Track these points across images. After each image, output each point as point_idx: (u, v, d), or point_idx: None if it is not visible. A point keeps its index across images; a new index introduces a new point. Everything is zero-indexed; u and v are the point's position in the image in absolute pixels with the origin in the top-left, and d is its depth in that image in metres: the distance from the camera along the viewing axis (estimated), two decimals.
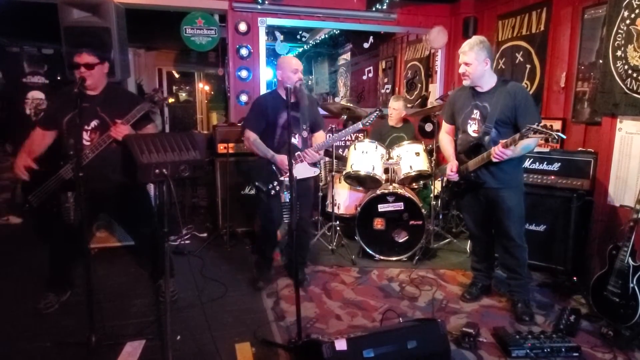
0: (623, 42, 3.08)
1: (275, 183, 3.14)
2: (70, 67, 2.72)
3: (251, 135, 3.16)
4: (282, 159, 3.06)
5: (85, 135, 2.74)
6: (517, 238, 2.92)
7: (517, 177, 2.94)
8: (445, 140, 3.15)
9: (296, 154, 3.12)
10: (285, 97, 3.08)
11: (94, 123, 2.75)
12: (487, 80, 2.83)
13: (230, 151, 4.23)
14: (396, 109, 4.51)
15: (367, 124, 3.35)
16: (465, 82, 2.87)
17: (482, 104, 2.83)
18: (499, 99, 2.77)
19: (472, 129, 2.88)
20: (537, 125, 2.46)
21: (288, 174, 2.96)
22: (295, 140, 3.19)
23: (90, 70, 2.71)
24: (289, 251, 3.57)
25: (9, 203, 5.00)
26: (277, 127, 3.18)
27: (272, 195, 3.16)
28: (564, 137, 2.46)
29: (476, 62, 2.75)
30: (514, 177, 2.90)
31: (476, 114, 2.86)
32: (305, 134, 3.26)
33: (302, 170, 3.18)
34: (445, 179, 4.72)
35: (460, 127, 2.99)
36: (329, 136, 3.70)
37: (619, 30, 3.11)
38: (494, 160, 2.67)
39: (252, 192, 4.32)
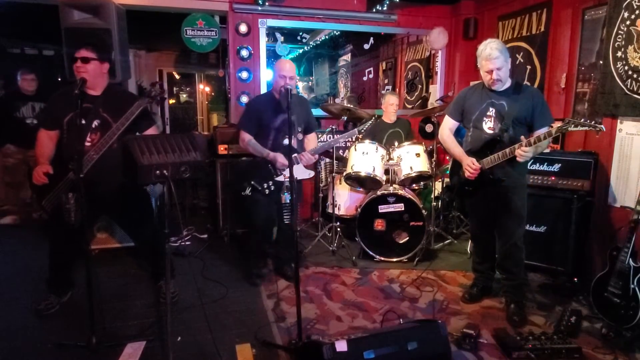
0: (623, 43, 3.08)
1: (271, 182, 3.22)
2: (73, 61, 2.72)
3: (246, 137, 3.24)
4: (278, 156, 3.15)
5: (87, 136, 2.73)
6: (517, 239, 2.93)
7: (525, 177, 3.01)
8: (452, 138, 3.09)
9: (293, 155, 3.14)
10: (279, 100, 3.21)
11: (95, 123, 2.75)
12: (505, 81, 2.88)
13: (231, 152, 4.23)
14: (392, 103, 4.51)
15: (362, 131, 3.45)
16: (497, 87, 2.85)
17: (498, 102, 2.85)
18: (517, 98, 2.81)
19: (487, 126, 2.89)
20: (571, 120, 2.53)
21: (283, 174, 3.15)
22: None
23: (85, 64, 2.69)
24: (279, 249, 3.62)
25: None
26: (271, 129, 3.26)
27: (267, 194, 3.24)
28: (604, 128, 2.49)
29: (506, 64, 2.78)
30: (523, 176, 2.96)
31: (492, 111, 2.87)
32: (300, 136, 3.36)
33: (298, 172, 3.23)
34: (445, 179, 4.75)
35: (472, 124, 2.97)
36: (327, 139, 3.69)
37: (619, 31, 3.11)
38: (520, 160, 2.68)
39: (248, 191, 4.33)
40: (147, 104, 2.73)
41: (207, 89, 10.42)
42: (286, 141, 3.22)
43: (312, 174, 3.43)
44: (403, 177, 4.05)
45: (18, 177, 4.79)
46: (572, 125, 2.52)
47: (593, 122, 2.48)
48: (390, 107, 4.53)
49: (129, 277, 3.52)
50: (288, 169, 3.08)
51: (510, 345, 2.49)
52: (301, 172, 3.31)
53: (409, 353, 2.09)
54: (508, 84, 2.88)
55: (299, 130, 3.36)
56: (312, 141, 3.47)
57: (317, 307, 3.10)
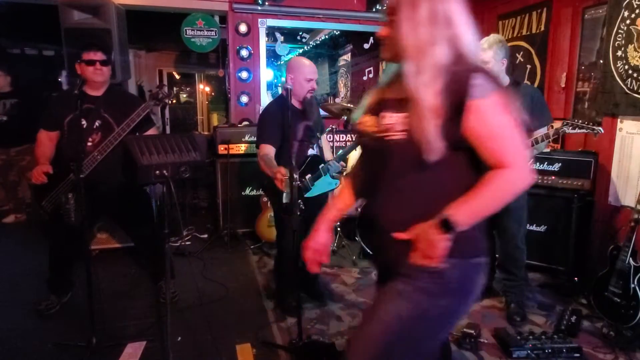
0: (623, 42, 3.08)
1: (300, 201, 2.73)
2: (88, 63, 2.72)
3: (263, 149, 2.79)
4: (277, 172, 2.57)
5: (88, 137, 2.73)
6: (518, 240, 2.92)
7: None
8: None
9: (320, 167, 2.91)
10: (296, 106, 2.89)
11: (96, 123, 2.75)
12: (501, 80, 2.83)
13: (231, 152, 4.24)
14: None
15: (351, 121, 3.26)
16: None
17: None
18: (515, 97, 2.77)
19: None
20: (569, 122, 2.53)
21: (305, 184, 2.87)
22: (314, 151, 3.00)
23: (105, 67, 2.75)
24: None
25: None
26: (292, 140, 2.78)
27: (299, 213, 2.71)
28: (602, 130, 2.54)
29: (494, 60, 2.75)
30: None
31: None
32: (320, 142, 3.13)
33: (327, 185, 3.02)
34: None
35: None
36: (326, 139, 3.54)
37: (619, 31, 3.11)
38: None
39: (253, 193, 4.33)
40: (153, 106, 2.73)
41: (207, 89, 10.42)
42: (310, 151, 2.95)
43: (337, 183, 3.13)
44: None
45: (10, 177, 4.81)
46: (570, 128, 2.51)
47: (591, 124, 2.47)
48: None
49: (129, 277, 3.52)
50: (320, 181, 2.92)
51: (511, 345, 2.49)
52: (327, 184, 3.00)
53: None
54: (505, 83, 2.86)
55: (318, 136, 3.08)
56: (324, 143, 3.23)
57: (317, 307, 3.10)
